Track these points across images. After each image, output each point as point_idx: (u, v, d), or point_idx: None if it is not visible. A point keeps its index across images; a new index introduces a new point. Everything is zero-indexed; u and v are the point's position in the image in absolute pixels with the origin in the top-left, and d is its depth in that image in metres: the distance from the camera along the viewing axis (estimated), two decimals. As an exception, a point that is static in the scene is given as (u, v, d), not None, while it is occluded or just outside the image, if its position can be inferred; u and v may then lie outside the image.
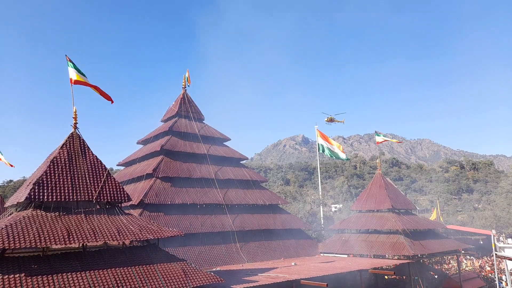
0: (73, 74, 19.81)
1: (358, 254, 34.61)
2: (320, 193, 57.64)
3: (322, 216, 51.54)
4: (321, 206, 53.58)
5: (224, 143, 41.55)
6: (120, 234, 17.34)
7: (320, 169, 62.82)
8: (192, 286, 17.55)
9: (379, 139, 43.88)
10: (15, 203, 17.93)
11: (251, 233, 33.68)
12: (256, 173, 41.70)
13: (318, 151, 53.40)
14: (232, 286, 20.14)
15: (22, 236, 15.39)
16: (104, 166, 19.59)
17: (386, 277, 38.04)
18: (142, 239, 18.08)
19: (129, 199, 19.84)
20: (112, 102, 21.16)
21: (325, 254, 36.19)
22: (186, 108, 40.39)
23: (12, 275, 14.75)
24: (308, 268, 27.17)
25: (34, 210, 17.15)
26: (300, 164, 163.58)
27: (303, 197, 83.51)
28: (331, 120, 59.62)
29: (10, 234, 15.26)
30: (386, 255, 32.85)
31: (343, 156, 51.34)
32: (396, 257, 33.93)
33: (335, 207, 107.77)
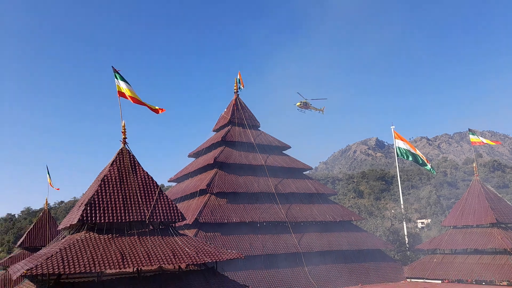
0: (120, 87, 21.41)
1: (455, 280, 32.63)
2: (402, 207, 55.28)
3: (406, 233, 49.39)
4: (404, 222, 51.37)
5: (284, 152, 41.78)
6: (176, 257, 18.18)
7: (400, 177, 60.27)
8: (256, 316, 17.83)
9: (474, 139, 41.18)
10: (68, 225, 19.67)
11: (320, 255, 33.34)
12: (322, 185, 41.30)
13: (397, 155, 51.48)
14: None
15: (77, 261, 16.80)
16: (156, 183, 20.75)
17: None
18: (199, 263, 18.78)
19: (183, 218, 20.72)
20: (161, 111, 22.22)
21: (413, 280, 34.62)
22: (239, 114, 41.39)
23: (68, 302, 16.14)
24: (392, 296, 26.19)
25: (87, 233, 18.66)
26: (375, 173, 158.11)
27: (381, 211, 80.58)
28: (305, 106, 50.74)
29: (65, 259, 16.75)
30: (495, 281, 30.67)
31: (428, 166, 48.96)
32: (505, 283, 31.48)
33: (422, 223, 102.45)
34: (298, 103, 50.39)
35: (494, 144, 43.91)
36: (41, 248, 24.64)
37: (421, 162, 48.90)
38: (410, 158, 50.25)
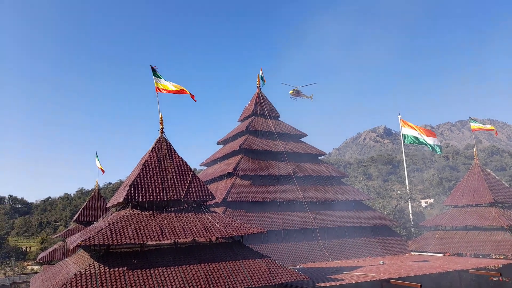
0: (157, 83, 21.56)
1: (455, 253, 31.92)
2: (408, 188, 54.23)
3: (411, 212, 48.53)
4: (409, 201, 50.42)
5: (301, 139, 41.43)
6: (207, 231, 18.44)
7: (406, 161, 59.03)
8: (277, 282, 17.93)
9: (475, 126, 39.69)
10: (115, 203, 20.19)
11: (333, 230, 33.14)
12: (335, 169, 40.87)
13: (403, 142, 50.22)
14: (318, 284, 20.08)
15: (123, 233, 17.26)
16: (189, 167, 20.96)
17: (490, 278, 34.51)
18: (227, 236, 18.99)
19: (213, 198, 20.98)
20: (195, 100, 22.26)
21: (416, 253, 34.07)
22: (261, 106, 41.16)
23: (116, 268, 16.64)
24: (398, 267, 25.87)
25: (131, 210, 19.11)
26: (383, 158, 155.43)
27: (388, 192, 79.18)
28: (296, 94, 45.89)
29: (113, 232, 17.23)
30: (492, 255, 29.87)
31: (437, 149, 46.74)
32: (502, 257, 30.61)
33: (425, 202, 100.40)
34: (291, 91, 46.50)
35: (493, 130, 42.06)
36: (93, 223, 25.38)
37: (430, 146, 47.24)
38: (417, 143, 48.81)
